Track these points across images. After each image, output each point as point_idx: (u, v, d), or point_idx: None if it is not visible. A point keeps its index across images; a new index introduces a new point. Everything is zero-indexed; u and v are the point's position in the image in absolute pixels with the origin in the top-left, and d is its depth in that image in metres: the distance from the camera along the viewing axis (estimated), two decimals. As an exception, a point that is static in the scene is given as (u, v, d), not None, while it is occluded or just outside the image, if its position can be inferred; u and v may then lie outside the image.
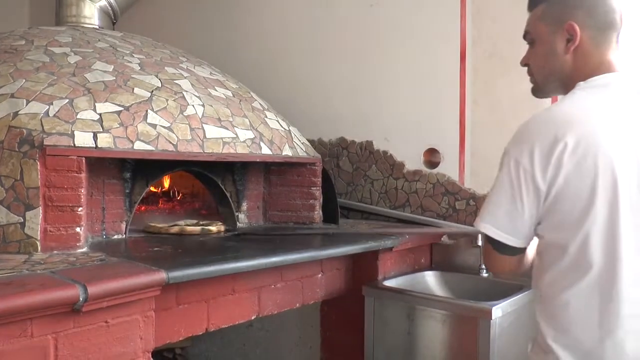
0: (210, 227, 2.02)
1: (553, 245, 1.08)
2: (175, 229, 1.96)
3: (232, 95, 2.25)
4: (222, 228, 2.05)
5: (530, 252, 1.20)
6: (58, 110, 1.66)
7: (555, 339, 1.07)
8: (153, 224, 2.01)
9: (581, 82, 1.11)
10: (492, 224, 1.10)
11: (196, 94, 2.07)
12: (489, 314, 1.72)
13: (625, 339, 1.02)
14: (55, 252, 1.55)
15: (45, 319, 1.15)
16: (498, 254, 1.15)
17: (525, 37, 1.23)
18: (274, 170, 2.34)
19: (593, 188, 1.00)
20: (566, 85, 1.15)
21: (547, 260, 1.11)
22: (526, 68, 1.24)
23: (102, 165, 1.81)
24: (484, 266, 2.15)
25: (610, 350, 1.02)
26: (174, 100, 1.95)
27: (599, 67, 1.12)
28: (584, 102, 1.08)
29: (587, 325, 1.04)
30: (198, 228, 2.00)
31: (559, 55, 1.15)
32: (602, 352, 1.03)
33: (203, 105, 2.03)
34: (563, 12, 1.14)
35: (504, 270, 1.23)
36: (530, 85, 1.25)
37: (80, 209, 1.60)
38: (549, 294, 1.10)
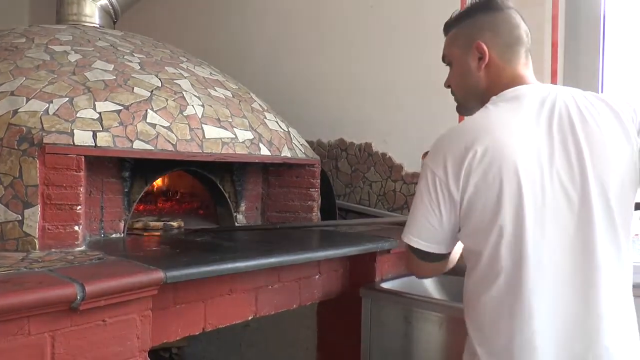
0: (172, 223, 2.05)
1: (471, 252, 1.14)
2: (139, 225, 1.97)
3: (231, 95, 2.25)
4: (182, 224, 2.09)
5: (457, 252, 1.26)
6: (58, 109, 1.66)
7: (480, 343, 1.12)
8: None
9: (494, 97, 1.17)
10: (415, 235, 1.16)
11: (196, 94, 2.07)
12: (485, 317, 1.72)
13: (533, 337, 1.05)
14: (53, 250, 1.55)
15: (42, 317, 1.15)
16: (421, 262, 1.20)
17: (443, 60, 1.31)
18: (273, 171, 2.34)
19: (499, 195, 1.04)
20: (484, 101, 1.20)
21: (469, 266, 1.16)
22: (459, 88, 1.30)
23: (101, 164, 1.81)
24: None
25: (519, 349, 1.05)
26: (173, 100, 1.95)
27: (511, 81, 1.19)
28: (494, 114, 1.13)
29: (500, 327, 1.08)
30: (160, 223, 2.03)
31: (474, 73, 1.23)
32: (512, 349, 1.06)
33: (202, 106, 2.04)
34: (472, 34, 1.22)
35: (430, 275, 1.31)
36: None
37: (78, 207, 1.60)
38: (472, 299, 1.15)
